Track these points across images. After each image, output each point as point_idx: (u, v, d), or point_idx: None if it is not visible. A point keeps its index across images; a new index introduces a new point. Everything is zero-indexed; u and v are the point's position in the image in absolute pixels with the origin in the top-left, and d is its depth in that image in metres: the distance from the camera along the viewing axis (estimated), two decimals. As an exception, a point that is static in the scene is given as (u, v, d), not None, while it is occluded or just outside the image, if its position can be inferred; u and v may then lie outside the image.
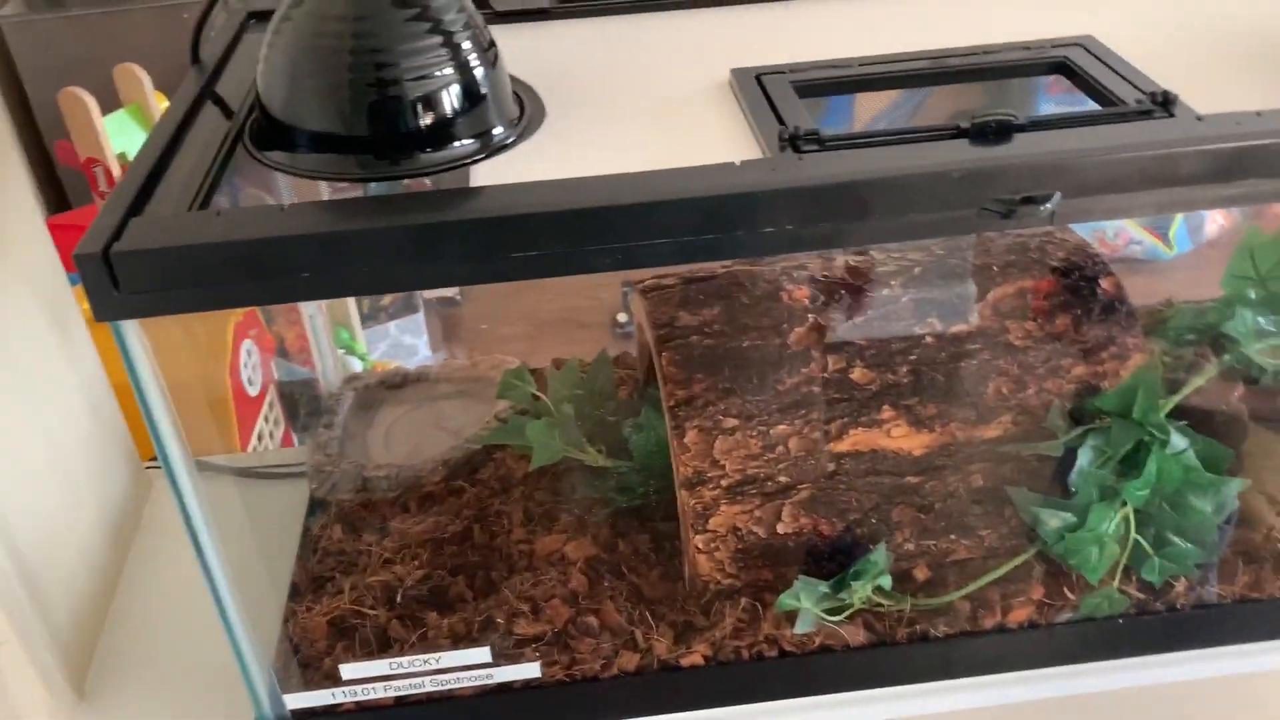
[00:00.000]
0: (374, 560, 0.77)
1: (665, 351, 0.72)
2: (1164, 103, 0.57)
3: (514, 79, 0.66)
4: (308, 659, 0.70)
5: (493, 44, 0.63)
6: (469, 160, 0.61)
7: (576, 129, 0.63)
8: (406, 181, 0.60)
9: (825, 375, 0.71)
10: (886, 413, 0.71)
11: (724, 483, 0.71)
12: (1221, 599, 0.72)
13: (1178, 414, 0.76)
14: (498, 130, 0.63)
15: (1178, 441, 0.65)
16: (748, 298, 0.75)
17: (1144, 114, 0.57)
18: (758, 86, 0.64)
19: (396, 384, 0.96)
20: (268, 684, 0.67)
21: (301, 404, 1.00)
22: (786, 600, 0.68)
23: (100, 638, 0.79)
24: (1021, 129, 0.56)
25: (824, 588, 0.68)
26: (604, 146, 0.61)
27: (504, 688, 0.69)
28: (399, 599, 0.73)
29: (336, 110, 0.58)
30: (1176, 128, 0.55)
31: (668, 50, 0.72)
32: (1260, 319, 0.78)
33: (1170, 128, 0.55)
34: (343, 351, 1.22)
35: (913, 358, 0.72)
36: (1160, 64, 0.63)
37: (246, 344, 1.07)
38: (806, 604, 0.68)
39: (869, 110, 0.70)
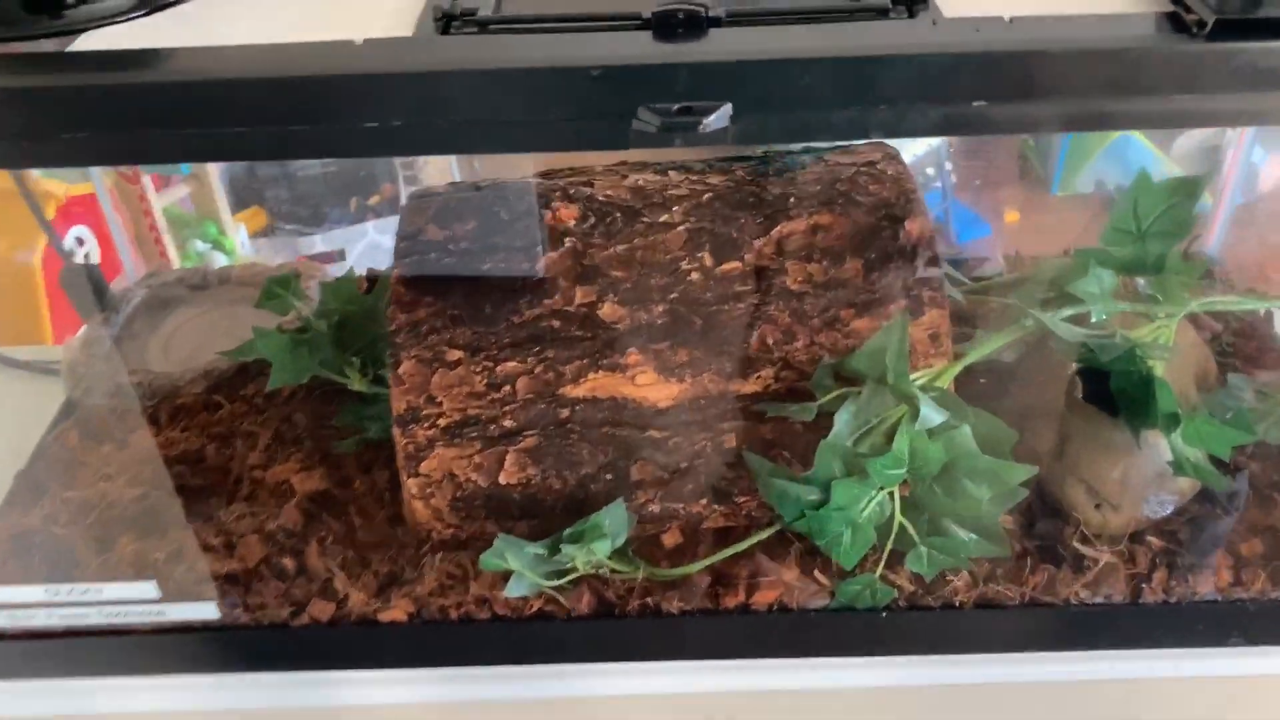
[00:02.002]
0: (91, 474, 0.71)
1: (398, 268, 0.64)
2: (909, 1, 0.46)
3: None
4: (-22, 576, 0.64)
5: None
6: (121, 18, 0.52)
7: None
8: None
9: (570, 309, 0.62)
10: (633, 356, 0.62)
11: (441, 422, 0.62)
12: (1006, 599, 0.62)
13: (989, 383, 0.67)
14: None
15: (930, 414, 0.55)
16: (509, 213, 0.66)
17: (877, 12, 0.46)
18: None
19: (197, 284, 0.89)
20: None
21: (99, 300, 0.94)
22: (490, 559, 0.60)
23: None
24: (716, 22, 0.45)
25: (535, 549, 0.60)
26: (250, 18, 0.52)
27: (182, 627, 0.63)
28: (94, 518, 0.67)
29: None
30: (904, 32, 0.45)
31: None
32: (1112, 282, 0.67)
33: (898, 31, 0.45)
34: (209, 246, 1.15)
35: (672, 296, 0.62)
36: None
37: (77, 230, 1.01)
38: (515, 565, 0.60)
39: None
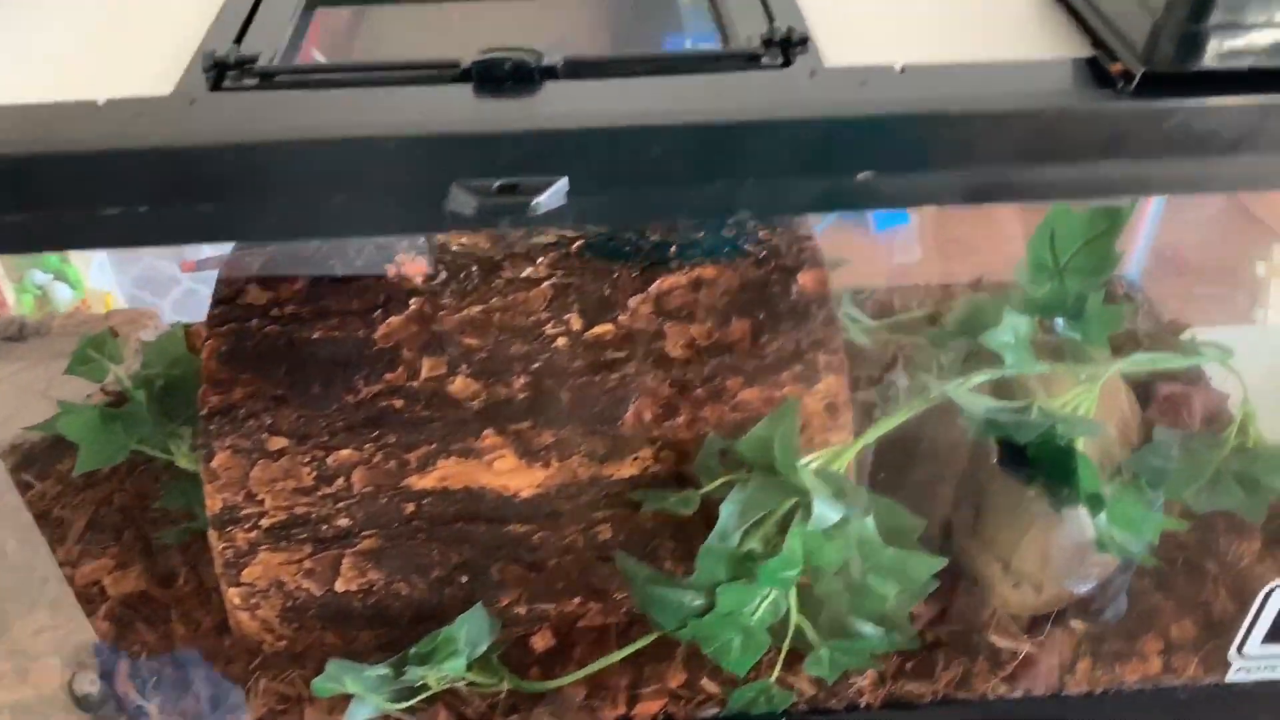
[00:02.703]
0: None
1: (212, 339, 0.55)
2: (785, 44, 0.38)
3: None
4: None
5: None
6: None
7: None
8: None
9: (415, 385, 0.54)
10: (489, 439, 0.53)
11: (264, 522, 0.53)
12: (916, 698, 0.55)
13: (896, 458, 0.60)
14: None
15: (826, 512, 0.48)
16: (346, 270, 0.57)
17: (746, 59, 0.38)
18: (265, -15, 0.45)
19: (11, 336, 0.78)
20: None
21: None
22: (323, 685, 0.51)
23: None
24: (551, 73, 0.37)
25: (380, 670, 0.52)
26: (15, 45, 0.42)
27: (-40, 773, 0.53)
28: None
29: None
30: (776, 88, 0.37)
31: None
32: (1028, 329, 0.60)
33: (769, 87, 0.37)
34: (50, 278, 1.04)
35: (535, 366, 0.54)
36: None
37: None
38: (354, 689, 0.52)
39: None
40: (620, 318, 0.55)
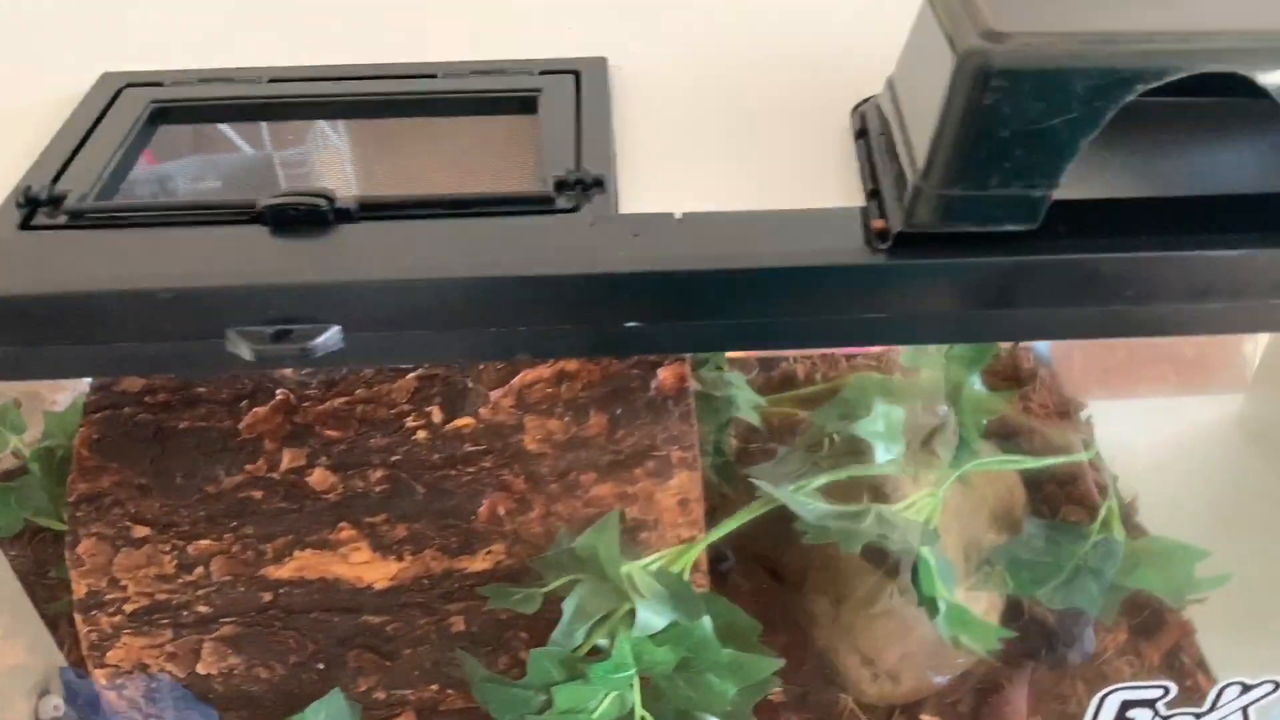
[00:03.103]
0: None
1: (85, 425, 0.56)
2: (579, 187, 0.40)
3: None
4: None
5: None
6: None
7: None
8: None
9: (275, 476, 0.55)
10: (345, 532, 0.55)
11: (127, 608, 0.55)
12: (766, 789, 0.56)
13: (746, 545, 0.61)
14: None
15: (650, 617, 0.49)
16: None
17: (539, 202, 0.39)
18: (107, 102, 0.46)
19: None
20: None
21: None
22: (178, 769, 0.53)
23: None
24: (346, 216, 0.38)
25: (232, 754, 0.53)
26: None
27: None
28: None
29: None
30: (552, 237, 0.38)
31: (90, 22, 0.54)
32: (900, 419, 0.61)
33: (545, 236, 0.38)
34: None
35: (394, 459, 0.55)
36: (668, 111, 0.46)
37: None
38: (209, 773, 0.53)
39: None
40: (481, 410, 0.56)
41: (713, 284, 0.36)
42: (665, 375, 0.57)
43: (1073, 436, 0.71)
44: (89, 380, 0.78)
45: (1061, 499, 0.70)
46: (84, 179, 0.41)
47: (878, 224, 0.36)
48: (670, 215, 0.38)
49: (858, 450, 0.62)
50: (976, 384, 0.65)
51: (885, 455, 0.61)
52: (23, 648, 0.63)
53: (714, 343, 0.38)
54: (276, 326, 0.36)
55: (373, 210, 0.39)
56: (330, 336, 0.36)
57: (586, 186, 0.40)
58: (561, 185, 0.40)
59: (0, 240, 0.38)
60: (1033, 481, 0.69)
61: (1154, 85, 0.32)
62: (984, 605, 0.62)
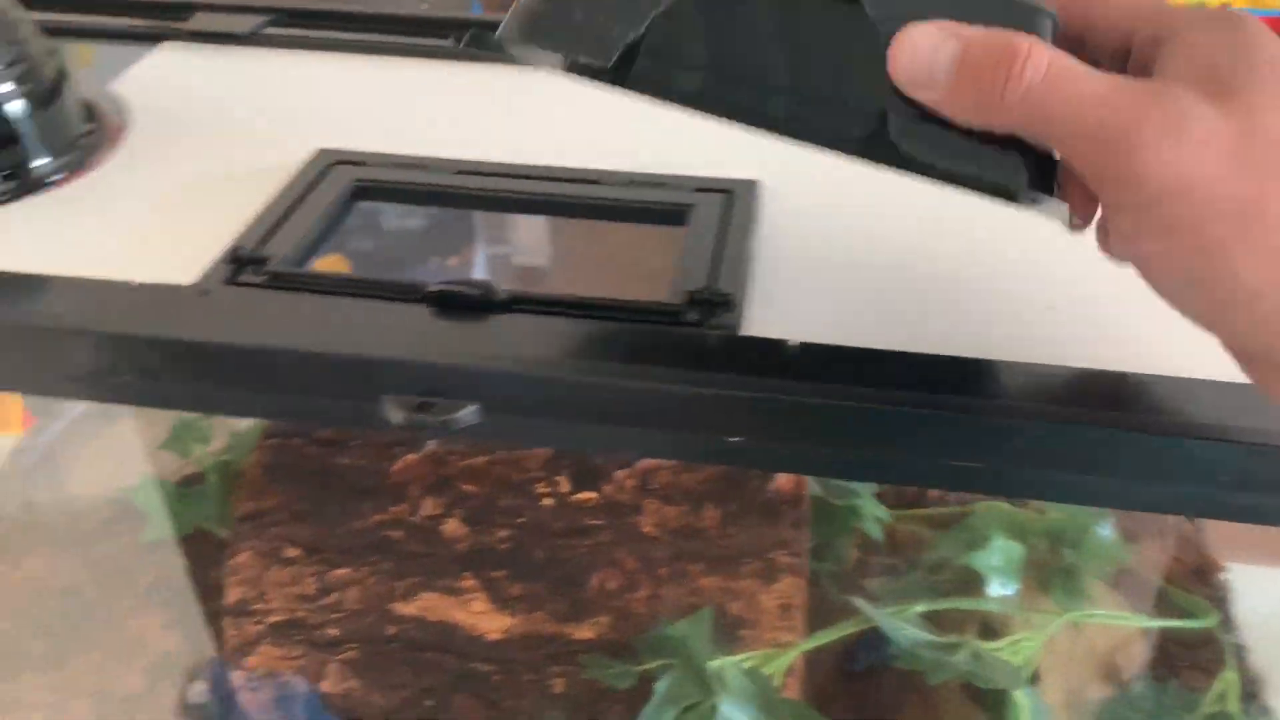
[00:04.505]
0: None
1: (260, 449, 0.63)
2: (709, 305, 0.43)
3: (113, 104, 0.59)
4: None
5: (55, 73, 0.56)
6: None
7: (117, 183, 0.55)
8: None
9: (415, 520, 0.60)
10: (468, 580, 0.59)
11: (270, 619, 0.61)
12: None
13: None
14: (39, 164, 0.56)
15: (732, 713, 0.51)
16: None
17: (667, 314, 0.43)
18: (317, 175, 0.53)
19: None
20: None
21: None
22: (289, 774, 0.58)
23: None
24: (497, 306, 0.43)
25: (339, 770, 0.58)
26: (101, 218, 0.52)
27: (-4, 785, 0.62)
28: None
29: None
30: (666, 346, 0.41)
31: (314, 102, 0.62)
32: (1019, 556, 0.61)
33: (661, 343, 0.41)
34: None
35: (520, 521, 0.60)
36: (811, 240, 0.49)
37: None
38: (316, 783, 0.58)
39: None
40: (605, 487, 0.60)
41: (815, 414, 0.39)
42: (784, 480, 0.60)
43: (1203, 599, 0.69)
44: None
45: (1184, 663, 0.68)
46: (287, 244, 0.48)
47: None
48: (785, 342, 0.41)
49: (972, 581, 0.63)
50: (1106, 530, 0.64)
51: (997, 590, 0.61)
52: (179, 637, 0.70)
53: (813, 468, 0.40)
54: (422, 399, 0.40)
55: (522, 303, 0.43)
56: (468, 413, 0.40)
57: (715, 304, 0.43)
58: (693, 300, 0.43)
59: (210, 292, 0.44)
60: (1154, 639, 0.67)
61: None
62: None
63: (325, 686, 0.61)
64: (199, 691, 0.71)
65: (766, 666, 0.55)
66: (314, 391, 0.42)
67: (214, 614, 0.71)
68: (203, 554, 0.76)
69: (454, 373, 0.41)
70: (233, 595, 0.61)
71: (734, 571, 0.58)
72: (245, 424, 0.80)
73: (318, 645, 0.60)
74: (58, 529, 0.78)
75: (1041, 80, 0.29)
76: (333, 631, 0.60)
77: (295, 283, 0.45)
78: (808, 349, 0.41)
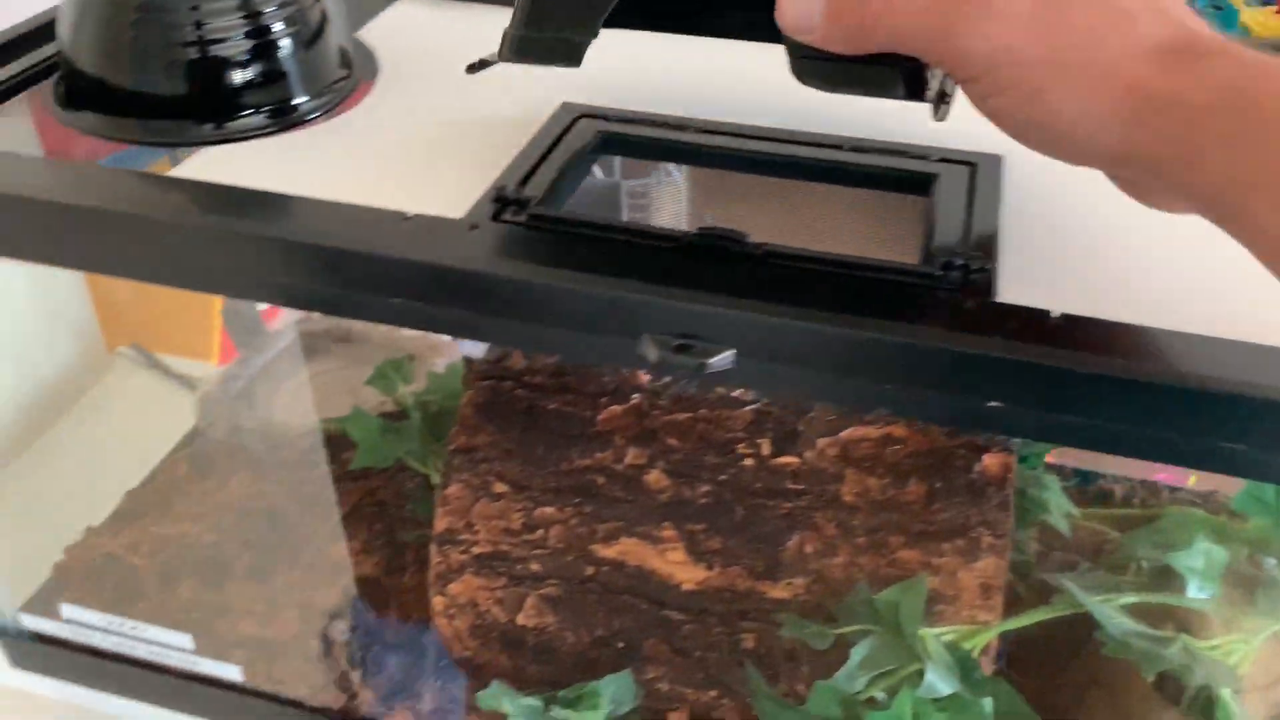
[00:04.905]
0: (184, 509, 0.77)
1: (471, 389, 0.66)
2: (965, 271, 0.43)
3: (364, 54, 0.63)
4: (59, 586, 0.71)
5: (319, 12, 0.59)
6: (243, 135, 0.57)
7: (369, 124, 0.58)
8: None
9: (618, 467, 0.62)
10: (667, 530, 0.61)
11: (474, 550, 0.63)
12: None
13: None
14: (300, 101, 0.59)
15: (936, 682, 0.51)
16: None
17: (918, 277, 0.43)
18: (564, 127, 0.55)
19: (341, 337, 0.95)
20: (9, 597, 0.69)
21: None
22: (486, 699, 0.61)
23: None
24: (750, 257, 0.44)
25: (530, 701, 0.60)
26: (360, 154, 0.55)
27: (209, 678, 0.67)
28: (168, 555, 0.72)
29: (108, 65, 0.57)
30: (925, 308, 0.42)
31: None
32: (1221, 559, 0.60)
33: (924, 306, 0.42)
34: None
35: (721, 478, 0.61)
36: (1057, 214, 0.49)
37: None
38: (509, 711, 0.61)
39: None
40: (806, 453, 0.61)
41: (1081, 382, 0.39)
42: (990, 461, 0.59)
43: None
44: (464, 349, 0.89)
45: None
46: (541, 188, 0.50)
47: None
48: (1047, 312, 0.41)
49: (1168, 581, 0.61)
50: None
51: (1198, 592, 0.60)
52: (375, 562, 0.73)
53: (1072, 438, 0.40)
54: (680, 340, 0.42)
55: (777, 257, 0.44)
56: (724, 358, 0.42)
57: (970, 271, 0.43)
58: (948, 266, 0.43)
59: (479, 227, 0.47)
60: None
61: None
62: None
63: (521, 620, 0.63)
64: (341, 630, 0.74)
65: (966, 642, 0.55)
66: (574, 327, 0.44)
67: (405, 544, 0.75)
68: (402, 486, 0.80)
69: (712, 317, 0.42)
70: (441, 524, 0.64)
71: (935, 547, 0.58)
72: (445, 366, 0.84)
73: (519, 579, 0.63)
74: (261, 453, 0.83)
75: (885, 5, 0.38)
76: (535, 567, 0.62)
77: (557, 224, 0.47)
78: (1071, 320, 0.41)
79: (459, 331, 0.47)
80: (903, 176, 0.51)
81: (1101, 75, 0.35)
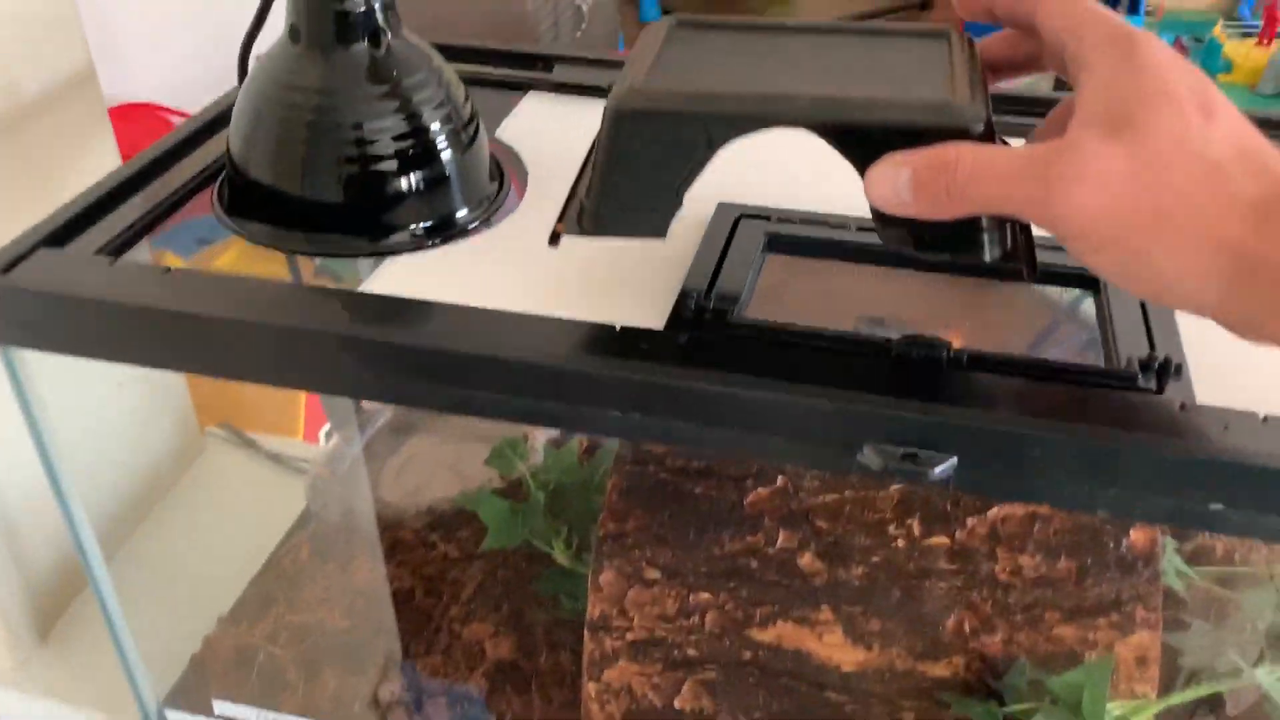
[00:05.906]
0: (313, 595, 0.78)
1: (616, 474, 0.67)
2: (1158, 371, 0.45)
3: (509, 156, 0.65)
4: (204, 679, 0.71)
5: (473, 122, 0.61)
6: (403, 248, 0.59)
7: (524, 233, 0.59)
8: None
9: (770, 551, 0.64)
10: (824, 614, 0.62)
11: (629, 636, 0.65)
12: None
13: None
14: (461, 214, 0.61)
15: (1120, 764, 0.53)
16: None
17: (1121, 380, 0.45)
18: (729, 230, 0.57)
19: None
20: (152, 691, 0.69)
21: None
22: (650, 783, 0.62)
23: (84, 592, 0.84)
24: (957, 364, 0.46)
25: (695, 783, 0.61)
26: (518, 264, 0.57)
27: (364, 771, 0.68)
28: (307, 644, 0.73)
29: (276, 178, 0.58)
30: (1146, 413, 0.44)
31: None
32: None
33: (1139, 411, 0.44)
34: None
35: (874, 560, 0.63)
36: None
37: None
38: (673, 794, 0.62)
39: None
40: (957, 533, 0.62)
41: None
42: (1137, 536, 0.61)
43: None
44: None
45: None
46: (729, 292, 0.51)
47: None
48: (1255, 414, 0.43)
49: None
50: None
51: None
52: (511, 645, 0.74)
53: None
54: (905, 449, 0.44)
55: (978, 362, 0.46)
56: (947, 466, 0.43)
57: (1166, 370, 0.45)
58: (1144, 366, 0.45)
59: (683, 338, 0.49)
60: None
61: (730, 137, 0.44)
62: None
63: (678, 704, 0.64)
64: (390, 691, 0.75)
65: (1135, 717, 0.57)
66: (790, 435, 0.46)
67: (540, 625, 0.76)
68: (519, 565, 0.81)
69: (933, 426, 0.44)
70: (595, 611, 0.65)
71: (1091, 622, 0.60)
72: (543, 441, 0.85)
73: (675, 664, 0.64)
74: (379, 535, 0.84)
75: (970, 176, 0.39)
76: (691, 651, 0.64)
77: (760, 332, 0.49)
78: (1271, 421, 0.43)
79: (672, 441, 0.48)
80: (1069, 273, 0.53)
81: (1197, 237, 0.36)
